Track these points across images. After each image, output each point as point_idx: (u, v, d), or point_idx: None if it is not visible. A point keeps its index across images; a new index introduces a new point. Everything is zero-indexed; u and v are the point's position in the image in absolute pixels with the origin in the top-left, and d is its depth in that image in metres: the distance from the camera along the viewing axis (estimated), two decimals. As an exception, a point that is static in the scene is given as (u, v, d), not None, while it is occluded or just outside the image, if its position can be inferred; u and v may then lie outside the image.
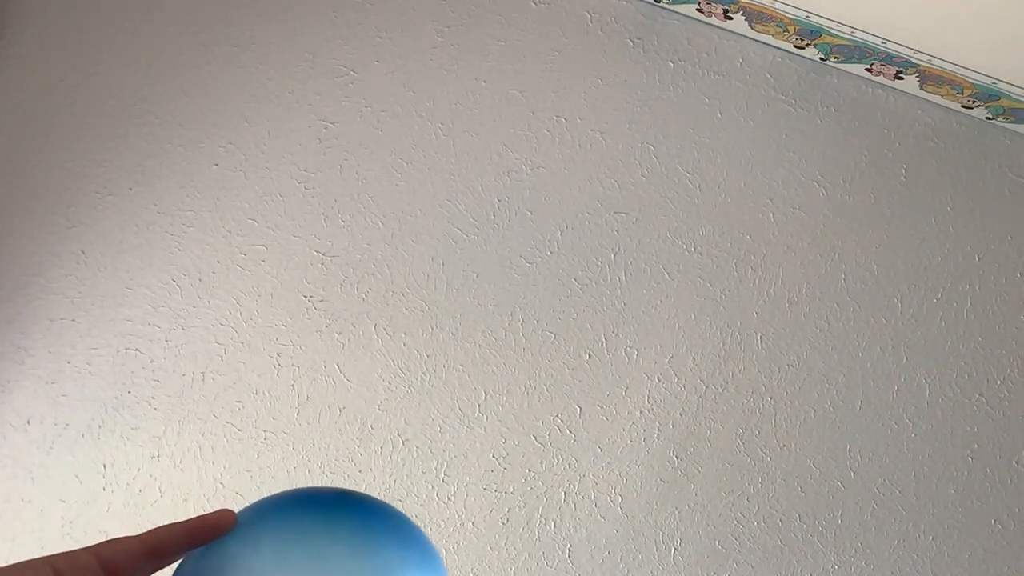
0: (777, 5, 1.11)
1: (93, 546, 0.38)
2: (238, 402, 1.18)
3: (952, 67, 1.11)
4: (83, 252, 1.19)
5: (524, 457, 1.20)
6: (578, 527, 1.20)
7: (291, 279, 1.19)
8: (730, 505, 1.21)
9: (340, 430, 1.18)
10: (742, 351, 1.20)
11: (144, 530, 0.40)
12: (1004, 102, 1.16)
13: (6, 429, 1.16)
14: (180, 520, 0.41)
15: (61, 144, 1.19)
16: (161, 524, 0.41)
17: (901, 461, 1.21)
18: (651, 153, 1.21)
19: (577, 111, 1.21)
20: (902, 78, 1.18)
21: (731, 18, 1.18)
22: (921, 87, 1.19)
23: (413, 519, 0.48)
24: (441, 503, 1.19)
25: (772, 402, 1.20)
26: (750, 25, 1.18)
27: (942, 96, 1.19)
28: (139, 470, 1.18)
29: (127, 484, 1.18)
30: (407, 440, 1.19)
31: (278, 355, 1.19)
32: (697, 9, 1.19)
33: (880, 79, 1.20)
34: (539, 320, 1.20)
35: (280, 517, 0.43)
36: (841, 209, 1.21)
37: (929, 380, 1.21)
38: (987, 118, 1.21)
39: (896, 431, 1.21)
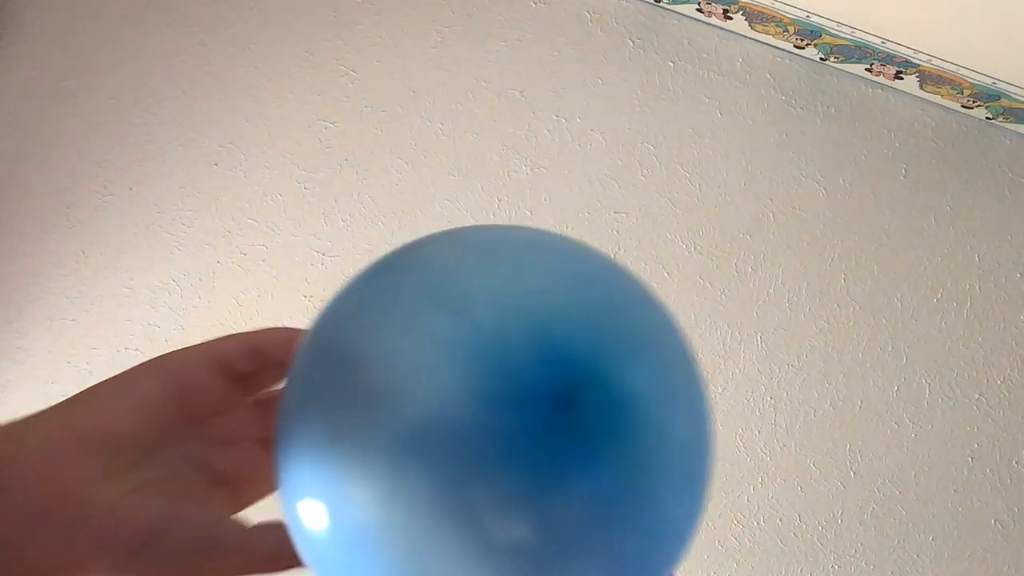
0: (777, 5, 1.11)
1: (203, 345, 0.32)
2: (238, 402, 1.18)
3: (952, 67, 1.11)
4: (83, 252, 1.19)
5: (524, 457, 1.20)
6: (578, 527, 1.20)
7: (291, 279, 1.19)
8: (730, 505, 1.20)
9: (340, 430, 1.18)
10: (742, 351, 1.20)
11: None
12: (1004, 102, 1.16)
13: (6, 429, 1.16)
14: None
15: (61, 144, 1.19)
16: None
17: (901, 461, 1.21)
18: (651, 153, 1.21)
19: (577, 111, 1.21)
20: (902, 78, 1.18)
21: (731, 18, 1.18)
22: (921, 87, 1.19)
23: None
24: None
25: (772, 402, 1.20)
26: (750, 25, 1.18)
27: (942, 96, 1.19)
28: (139, 470, 1.18)
29: (127, 484, 1.18)
30: (407, 440, 1.19)
31: (278, 355, 1.18)
32: (697, 9, 1.19)
33: (880, 79, 1.20)
34: (539, 320, 1.20)
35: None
36: (841, 209, 1.21)
37: (929, 380, 1.21)
38: (987, 118, 1.21)
39: (896, 431, 1.21)
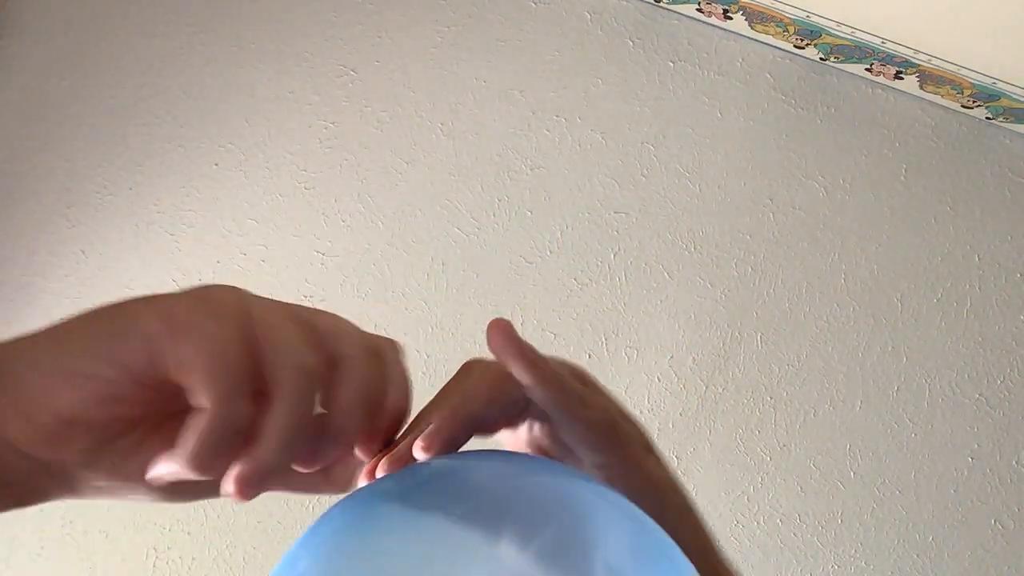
0: (777, 5, 1.11)
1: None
2: (238, 402, 1.18)
3: (952, 67, 1.11)
4: (83, 252, 1.19)
5: (524, 457, 1.20)
6: (578, 527, 1.20)
7: (291, 279, 1.19)
8: (730, 505, 1.20)
9: (340, 430, 1.18)
10: (742, 351, 1.20)
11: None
12: (1004, 102, 1.16)
13: (6, 429, 1.16)
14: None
15: (61, 144, 1.19)
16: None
17: (901, 461, 1.21)
18: (651, 153, 1.21)
19: (577, 111, 1.21)
20: (902, 78, 1.18)
21: (731, 18, 1.18)
22: (921, 87, 1.19)
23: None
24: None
25: (772, 402, 1.20)
26: (750, 25, 1.18)
27: (942, 96, 1.19)
28: (139, 470, 1.18)
29: (127, 484, 1.18)
30: (407, 440, 1.19)
31: (278, 355, 1.18)
32: (697, 9, 1.19)
33: (880, 79, 1.20)
34: (539, 320, 1.20)
35: None
36: (841, 209, 1.21)
37: (929, 380, 1.21)
38: (987, 118, 1.21)
39: (896, 431, 1.21)
